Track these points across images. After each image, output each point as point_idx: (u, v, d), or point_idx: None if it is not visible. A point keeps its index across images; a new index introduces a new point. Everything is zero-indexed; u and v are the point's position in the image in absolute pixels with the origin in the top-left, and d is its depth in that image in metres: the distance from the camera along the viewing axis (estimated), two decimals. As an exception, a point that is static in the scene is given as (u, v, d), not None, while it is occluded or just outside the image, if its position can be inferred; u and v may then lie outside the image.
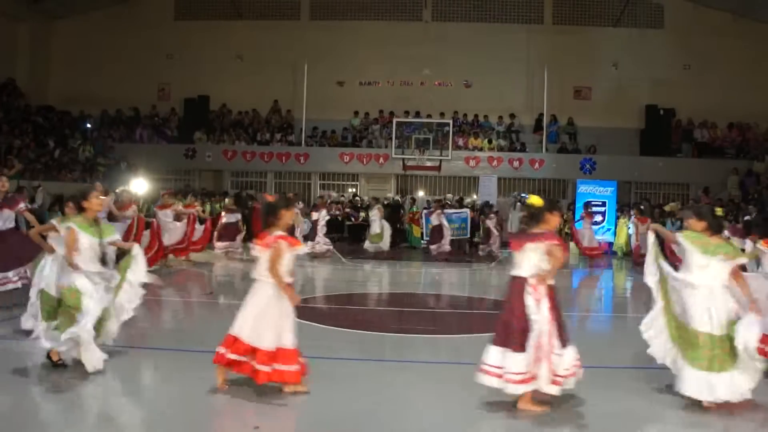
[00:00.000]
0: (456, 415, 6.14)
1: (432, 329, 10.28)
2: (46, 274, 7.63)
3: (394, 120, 27.69)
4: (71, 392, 6.45)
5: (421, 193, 28.06)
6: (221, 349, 6.39)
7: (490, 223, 21.59)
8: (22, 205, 9.77)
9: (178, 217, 16.97)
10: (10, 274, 9.38)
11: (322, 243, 19.95)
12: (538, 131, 28.41)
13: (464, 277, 17.98)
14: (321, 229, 20.05)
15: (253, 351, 6.28)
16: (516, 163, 27.36)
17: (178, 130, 29.70)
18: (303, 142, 28.58)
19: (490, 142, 28.43)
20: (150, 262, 12.43)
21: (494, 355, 6.11)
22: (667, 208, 22.55)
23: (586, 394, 6.46)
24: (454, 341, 9.57)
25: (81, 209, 7.21)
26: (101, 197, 9.88)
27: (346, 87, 29.56)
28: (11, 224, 9.64)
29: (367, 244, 22.09)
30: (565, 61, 28.16)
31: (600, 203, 24.63)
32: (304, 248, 6.86)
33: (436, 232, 21.16)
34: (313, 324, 9.55)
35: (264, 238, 6.43)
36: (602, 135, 27.73)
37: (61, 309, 7.01)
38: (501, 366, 6.02)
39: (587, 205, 23.14)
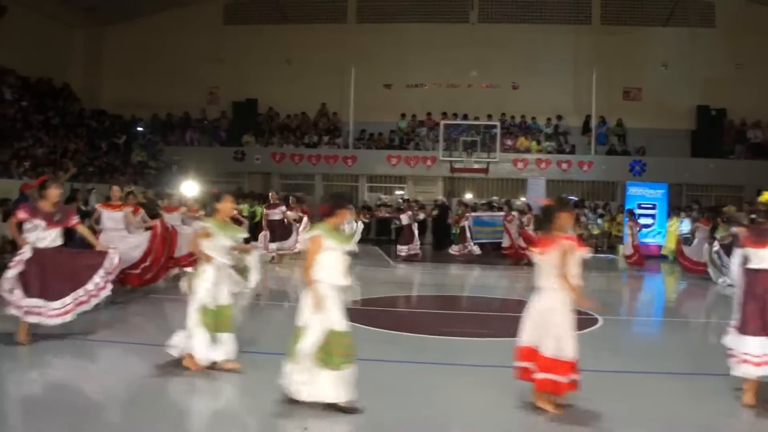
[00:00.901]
0: (513, 419, 6.16)
1: (477, 332, 10.26)
2: (208, 287, 7.26)
3: (442, 122, 27.74)
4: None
5: (468, 196, 28.04)
6: (522, 364, 6.24)
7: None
8: (75, 219, 9.04)
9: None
10: (68, 299, 8.46)
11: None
12: (587, 133, 28.21)
13: (503, 280, 18.00)
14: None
15: (535, 356, 6.14)
16: (564, 165, 27.23)
17: (228, 133, 30.09)
18: (350, 144, 28.77)
19: (538, 143, 28.31)
20: (148, 277, 12.23)
21: (755, 344, 6.35)
22: (726, 210, 22.19)
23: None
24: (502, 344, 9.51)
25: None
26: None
27: (394, 89, 29.65)
28: (59, 242, 8.66)
29: None
30: (614, 61, 27.88)
31: (650, 206, 24.41)
32: (586, 252, 6.32)
33: (407, 233, 20.93)
34: (362, 326, 9.68)
35: (544, 243, 6.16)
36: (652, 136, 27.45)
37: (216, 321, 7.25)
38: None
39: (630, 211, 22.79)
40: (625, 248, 21.01)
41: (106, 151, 26.90)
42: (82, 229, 9.32)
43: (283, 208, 19.15)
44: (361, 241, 21.98)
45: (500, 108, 28.85)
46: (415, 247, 20.75)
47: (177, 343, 7.28)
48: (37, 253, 8.27)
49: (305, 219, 18.94)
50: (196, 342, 7.14)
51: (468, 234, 21.35)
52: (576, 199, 26.32)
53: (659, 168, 26.31)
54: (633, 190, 24.73)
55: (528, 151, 28.01)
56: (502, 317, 11.52)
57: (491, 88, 29.47)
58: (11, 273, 8.16)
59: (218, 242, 7.29)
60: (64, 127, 25.81)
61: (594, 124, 27.82)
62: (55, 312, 8.24)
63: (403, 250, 20.77)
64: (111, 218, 12.20)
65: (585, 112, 28.27)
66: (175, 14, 30.67)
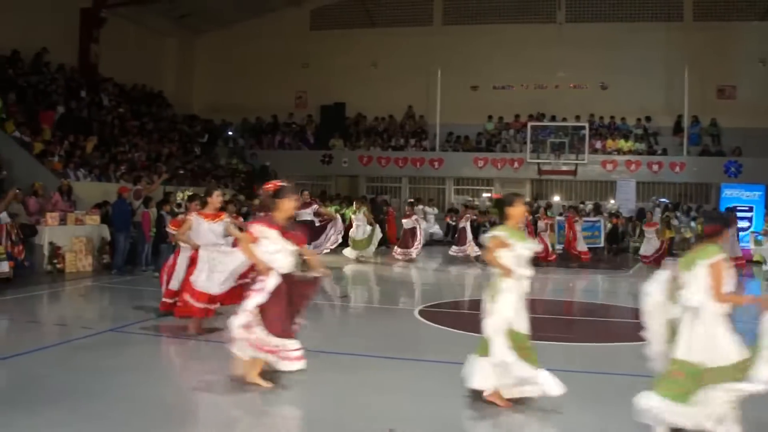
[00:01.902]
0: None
1: (566, 337, 10.16)
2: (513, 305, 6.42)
3: (529, 124, 27.53)
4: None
5: (556, 198, 27.78)
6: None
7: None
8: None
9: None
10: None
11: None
12: (679, 133, 27.52)
13: (601, 285, 17.81)
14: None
15: None
16: (655, 167, 26.67)
17: (315, 137, 30.52)
18: (437, 147, 28.82)
19: (626, 140, 27.80)
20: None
21: None
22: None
23: None
24: (591, 350, 9.46)
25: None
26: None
27: (480, 91, 29.55)
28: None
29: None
30: (707, 58, 27.07)
31: (747, 208, 23.71)
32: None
33: (462, 236, 20.93)
34: (449, 329, 9.77)
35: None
36: (748, 136, 26.48)
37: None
38: None
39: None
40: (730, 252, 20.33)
41: (198, 155, 27.64)
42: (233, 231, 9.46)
43: (316, 207, 18.92)
44: (447, 243, 22.25)
45: (588, 109, 28.41)
46: (464, 249, 20.80)
47: (478, 373, 6.38)
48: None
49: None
50: (513, 372, 6.29)
51: (468, 236, 20.99)
52: (668, 201, 25.81)
53: (756, 169, 25.39)
54: (728, 192, 24.11)
55: (617, 152, 27.54)
56: (584, 322, 11.41)
57: (579, 89, 29.06)
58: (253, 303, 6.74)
59: (516, 252, 6.45)
60: (158, 132, 26.59)
61: (686, 124, 27.12)
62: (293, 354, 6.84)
63: (458, 251, 20.91)
64: (211, 230, 9.50)
65: (677, 111, 27.55)
66: (263, 21, 31.23)
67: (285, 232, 6.81)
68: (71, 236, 16.03)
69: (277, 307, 6.67)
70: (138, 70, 28.41)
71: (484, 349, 6.39)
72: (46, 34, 23.46)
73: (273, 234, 6.73)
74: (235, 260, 8.79)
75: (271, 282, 6.63)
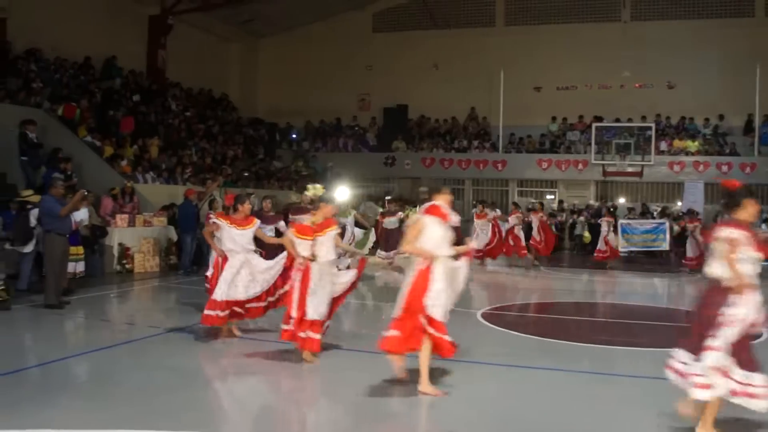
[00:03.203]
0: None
1: (630, 341, 9.99)
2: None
3: (594, 125, 27.17)
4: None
5: (622, 200, 27.29)
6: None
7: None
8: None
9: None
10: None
11: None
12: (749, 133, 26.83)
13: (663, 288, 17.49)
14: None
15: None
16: (724, 168, 25.95)
17: (378, 139, 30.64)
18: (500, 148, 28.65)
19: (693, 140, 27.20)
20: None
21: None
22: None
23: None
24: (654, 354, 9.24)
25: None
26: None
27: (543, 92, 29.34)
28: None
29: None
30: (780, 56, 26.38)
31: (821, 210, 22.97)
32: None
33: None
34: (510, 332, 9.72)
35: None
36: (824, 135, 25.77)
37: None
38: None
39: None
40: None
41: (262, 157, 28.01)
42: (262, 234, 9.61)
43: (401, 215, 18.98)
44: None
45: (655, 108, 27.92)
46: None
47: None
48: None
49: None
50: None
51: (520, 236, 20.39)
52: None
53: (832, 170, 24.65)
54: (801, 193, 23.39)
55: (685, 152, 26.97)
56: (652, 327, 11.20)
57: (645, 88, 28.59)
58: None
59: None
60: (223, 135, 27.04)
61: (757, 123, 26.44)
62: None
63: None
64: (241, 236, 9.16)
65: (747, 111, 26.81)
66: (326, 24, 31.52)
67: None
68: (139, 237, 16.42)
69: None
70: (204, 75, 28.99)
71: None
72: (116, 41, 24.13)
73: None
74: (265, 268, 9.02)
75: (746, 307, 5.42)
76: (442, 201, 7.16)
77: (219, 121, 28.04)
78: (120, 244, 16.07)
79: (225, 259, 9.08)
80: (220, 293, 8.81)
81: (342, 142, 30.84)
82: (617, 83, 28.69)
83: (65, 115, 19.30)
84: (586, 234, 23.89)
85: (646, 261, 22.34)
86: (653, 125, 26.77)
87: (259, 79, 33.07)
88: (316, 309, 7.80)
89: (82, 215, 13.19)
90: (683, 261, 20.03)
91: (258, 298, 9.09)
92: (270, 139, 30.47)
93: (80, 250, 13.24)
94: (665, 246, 21.63)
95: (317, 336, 7.80)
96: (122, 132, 20.94)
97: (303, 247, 7.93)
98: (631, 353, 9.25)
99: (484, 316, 11.44)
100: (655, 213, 24.57)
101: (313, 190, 9.06)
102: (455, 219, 7.21)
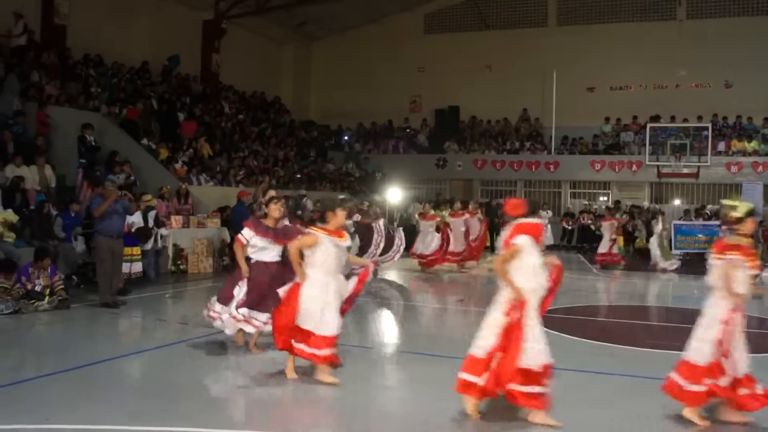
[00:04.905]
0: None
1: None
2: None
3: (648, 125, 26.77)
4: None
5: (677, 202, 26.82)
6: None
7: None
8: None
9: None
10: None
11: None
12: (811, 132, 26.18)
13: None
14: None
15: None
16: (785, 168, 25.41)
17: (429, 141, 30.64)
18: (553, 150, 28.42)
19: (751, 139, 26.56)
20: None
21: None
22: None
23: None
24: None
25: None
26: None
27: (596, 92, 29.02)
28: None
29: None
30: (842, 51, 25.67)
31: None
32: None
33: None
34: (562, 335, 9.67)
35: None
36: None
37: None
38: None
39: None
40: None
41: (314, 159, 28.24)
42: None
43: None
44: (562, 248, 21.81)
45: (711, 108, 27.35)
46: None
47: None
48: None
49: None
50: None
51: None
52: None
53: None
54: None
55: (743, 153, 26.40)
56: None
57: (701, 88, 28.07)
58: None
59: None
60: (276, 137, 27.32)
61: (819, 123, 25.77)
62: None
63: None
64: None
65: (809, 109, 26.20)
66: (378, 26, 31.68)
67: None
68: (193, 238, 16.68)
69: None
70: (257, 78, 29.41)
71: None
72: (172, 45, 24.61)
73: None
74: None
75: None
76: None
77: (272, 124, 28.35)
78: (175, 245, 16.35)
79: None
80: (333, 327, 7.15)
81: (393, 144, 30.91)
82: (672, 83, 28.23)
83: (128, 117, 19.78)
84: (641, 238, 23.45)
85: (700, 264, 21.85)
86: (710, 125, 26.26)
87: (312, 81, 33.39)
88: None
89: (135, 218, 13.53)
90: None
91: None
92: (322, 142, 30.72)
93: (136, 250, 13.55)
94: None
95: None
96: (184, 135, 21.39)
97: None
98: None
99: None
100: (709, 213, 24.07)
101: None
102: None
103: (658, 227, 20.33)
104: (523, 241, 5.91)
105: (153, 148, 19.55)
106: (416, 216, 18.49)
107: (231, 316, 8.26)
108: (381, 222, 16.51)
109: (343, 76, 31.82)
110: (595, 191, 28.38)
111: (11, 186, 14.26)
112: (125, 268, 12.78)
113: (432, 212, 18.99)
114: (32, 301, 10.69)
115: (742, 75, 27.11)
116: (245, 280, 8.29)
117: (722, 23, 27.50)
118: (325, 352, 6.91)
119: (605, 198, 27.82)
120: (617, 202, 25.63)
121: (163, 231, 15.27)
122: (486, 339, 6.01)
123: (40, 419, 5.79)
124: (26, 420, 5.78)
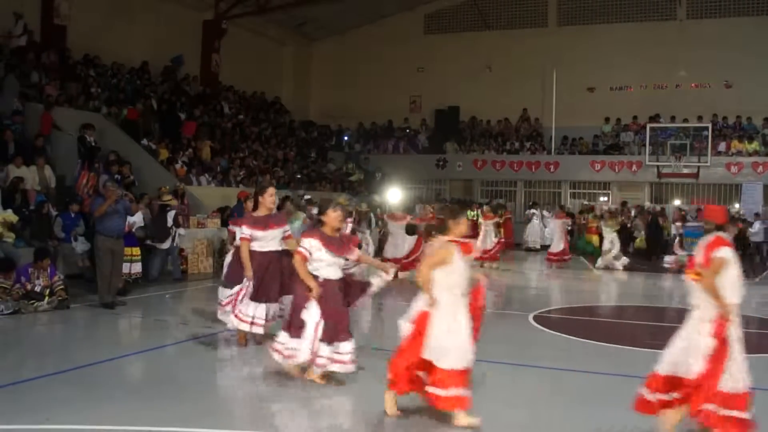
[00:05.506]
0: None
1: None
2: None
3: (648, 125, 26.79)
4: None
5: (677, 202, 26.80)
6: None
7: None
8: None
9: None
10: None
11: None
12: (811, 133, 26.15)
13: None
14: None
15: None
16: (784, 169, 25.40)
17: (429, 141, 30.64)
18: (553, 150, 28.42)
19: (750, 141, 26.55)
20: None
21: None
22: None
23: None
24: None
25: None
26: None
27: (597, 93, 29.02)
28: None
29: None
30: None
31: None
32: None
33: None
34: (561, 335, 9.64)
35: None
36: None
37: None
38: None
39: None
40: None
41: (314, 159, 28.25)
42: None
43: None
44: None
45: (711, 108, 27.34)
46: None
47: None
48: None
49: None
50: None
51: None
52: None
53: None
54: None
55: (743, 153, 26.39)
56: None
57: (701, 88, 28.07)
58: None
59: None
60: (276, 137, 27.32)
61: (820, 123, 25.75)
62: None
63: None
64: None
65: (809, 110, 26.18)
66: (378, 27, 31.70)
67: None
68: (193, 239, 16.65)
69: None
70: (256, 78, 29.40)
71: None
72: (172, 45, 24.61)
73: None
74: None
75: None
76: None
77: (272, 124, 28.36)
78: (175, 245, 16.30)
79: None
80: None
81: (393, 144, 30.91)
82: (672, 83, 28.22)
83: (128, 117, 19.78)
84: (641, 238, 23.41)
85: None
86: (710, 125, 26.27)
87: (312, 81, 33.40)
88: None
89: (135, 218, 13.52)
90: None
91: None
92: (322, 142, 30.73)
93: (135, 251, 13.54)
94: None
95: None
96: (185, 135, 21.40)
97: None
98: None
99: (536, 319, 11.40)
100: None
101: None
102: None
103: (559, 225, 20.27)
104: (727, 253, 5.52)
105: (153, 149, 19.55)
106: (384, 217, 18.04)
107: (314, 353, 6.75)
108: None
109: (343, 76, 31.82)
110: (595, 191, 28.40)
111: (11, 186, 14.26)
112: (125, 268, 12.77)
113: (490, 214, 19.40)
114: (32, 302, 10.68)
115: (742, 75, 27.13)
116: (313, 301, 6.73)
117: (722, 23, 27.50)
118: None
119: (605, 198, 27.85)
120: (624, 203, 25.66)
121: (181, 231, 15.28)
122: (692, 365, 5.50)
123: (40, 419, 5.79)
124: (26, 420, 5.79)
